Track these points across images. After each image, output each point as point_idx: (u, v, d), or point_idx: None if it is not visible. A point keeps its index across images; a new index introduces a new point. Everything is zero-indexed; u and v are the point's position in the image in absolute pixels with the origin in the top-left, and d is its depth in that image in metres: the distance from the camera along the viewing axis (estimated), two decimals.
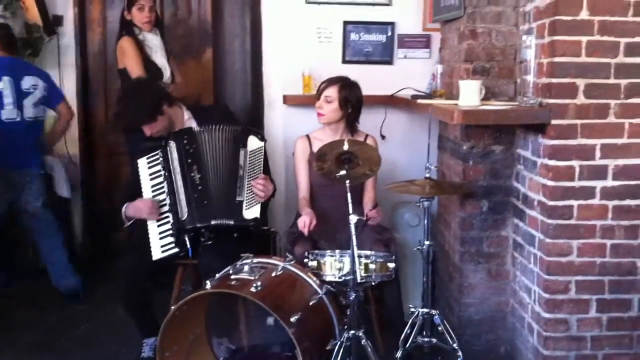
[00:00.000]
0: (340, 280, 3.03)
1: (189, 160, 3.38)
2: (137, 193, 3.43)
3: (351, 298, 2.88)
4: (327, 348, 2.89)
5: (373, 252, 3.13)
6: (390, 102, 4.32)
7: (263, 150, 3.46)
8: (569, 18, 2.76)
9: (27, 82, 4.27)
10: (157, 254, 3.33)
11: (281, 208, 4.56)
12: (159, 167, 3.42)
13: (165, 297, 3.50)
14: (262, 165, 3.43)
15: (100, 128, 5.12)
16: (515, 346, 3.31)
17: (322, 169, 3.06)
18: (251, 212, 3.34)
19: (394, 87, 4.26)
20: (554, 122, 2.82)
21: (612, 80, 2.80)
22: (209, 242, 3.35)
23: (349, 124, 3.61)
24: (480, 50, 3.35)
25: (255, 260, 3.07)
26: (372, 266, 3.05)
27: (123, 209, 3.40)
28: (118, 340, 3.71)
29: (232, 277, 2.92)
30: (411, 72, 4.52)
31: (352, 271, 2.88)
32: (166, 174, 3.39)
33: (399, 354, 3.05)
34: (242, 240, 3.38)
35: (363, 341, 2.88)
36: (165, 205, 3.37)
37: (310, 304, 2.94)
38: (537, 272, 3.00)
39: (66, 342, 3.76)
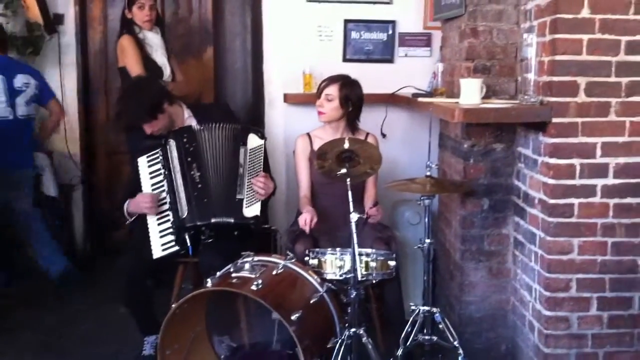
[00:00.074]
0: (341, 278, 3.04)
1: (189, 159, 3.38)
2: (137, 192, 3.43)
3: (352, 296, 2.88)
4: (328, 346, 2.89)
5: (374, 250, 3.14)
6: (391, 100, 4.32)
7: (263, 148, 3.46)
8: (570, 16, 2.75)
9: (19, 80, 4.29)
10: (157, 252, 3.33)
11: (282, 206, 4.56)
12: (159, 166, 3.42)
13: (166, 296, 3.51)
14: (262, 163, 3.43)
15: (100, 127, 5.12)
16: (516, 344, 3.31)
17: (323, 167, 3.06)
18: (251, 210, 3.34)
19: (395, 85, 4.27)
20: (554, 120, 2.82)
21: (613, 79, 2.80)
22: (210, 241, 3.35)
23: (349, 122, 3.61)
24: (481, 49, 3.35)
25: (256, 258, 3.07)
26: (372, 264, 3.06)
27: (125, 205, 3.41)
28: (118, 339, 3.71)
29: (233, 275, 2.92)
30: (412, 71, 4.53)
31: (353, 269, 2.88)
32: (166, 173, 3.39)
33: (399, 352, 3.05)
34: (242, 238, 3.38)
35: (364, 339, 2.88)
36: (165, 203, 3.38)
37: (311, 302, 2.94)
38: (537, 270, 3.00)
39: (67, 342, 3.75)
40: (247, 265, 2.97)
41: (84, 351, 3.63)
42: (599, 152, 2.84)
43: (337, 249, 3.12)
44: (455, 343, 3.05)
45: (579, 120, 2.82)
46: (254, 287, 2.77)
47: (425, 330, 3.10)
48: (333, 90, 3.54)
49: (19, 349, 3.67)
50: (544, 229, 2.92)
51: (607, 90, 2.80)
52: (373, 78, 4.13)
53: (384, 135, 4.38)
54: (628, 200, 2.87)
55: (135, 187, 3.45)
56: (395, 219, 4.24)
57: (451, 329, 3.09)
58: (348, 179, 2.95)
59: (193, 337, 3.11)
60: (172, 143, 3.41)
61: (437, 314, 3.09)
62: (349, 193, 2.92)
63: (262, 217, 3.39)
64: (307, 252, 3.17)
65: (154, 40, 4.25)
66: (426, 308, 3.09)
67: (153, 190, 3.40)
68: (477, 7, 3.32)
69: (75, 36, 4.94)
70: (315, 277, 3.06)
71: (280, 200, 4.49)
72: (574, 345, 2.94)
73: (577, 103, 2.81)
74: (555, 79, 2.80)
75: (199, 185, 3.35)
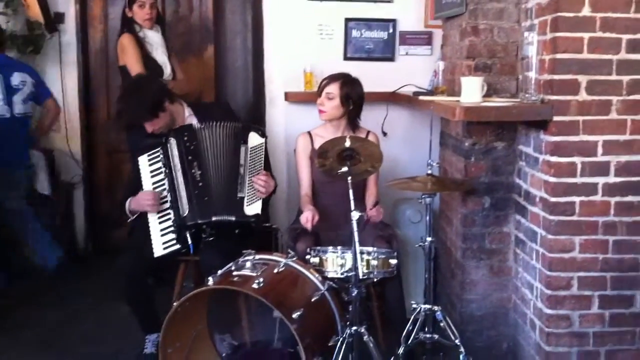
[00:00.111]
0: (342, 276, 3.03)
1: (190, 157, 3.39)
2: (138, 190, 3.43)
3: (353, 294, 2.88)
4: (329, 344, 2.89)
5: (375, 249, 3.13)
6: (392, 99, 4.32)
7: (264, 147, 3.46)
8: (571, 14, 2.75)
9: (16, 78, 4.29)
10: (158, 250, 3.33)
11: (283, 205, 4.56)
12: (159, 164, 3.42)
13: (167, 294, 3.51)
14: (263, 161, 3.44)
15: (101, 125, 5.12)
16: (518, 342, 3.32)
17: (324, 165, 3.06)
18: (252, 208, 3.34)
19: (396, 84, 4.27)
20: (555, 118, 2.82)
21: (614, 77, 2.79)
22: (211, 239, 3.36)
23: (350, 120, 3.62)
24: (482, 47, 3.35)
25: (257, 256, 3.07)
26: (374, 262, 3.05)
27: (127, 203, 3.41)
28: (119, 338, 3.71)
29: (235, 273, 2.92)
30: (413, 69, 4.53)
31: (354, 267, 2.88)
32: (167, 171, 3.39)
33: (401, 350, 3.05)
34: (243, 237, 3.38)
35: (365, 337, 2.88)
36: (166, 202, 3.38)
37: (313, 300, 2.95)
38: (539, 268, 3.00)
39: (68, 341, 3.75)
40: (248, 264, 2.97)
41: (85, 350, 3.63)
42: (600, 150, 2.83)
43: (339, 247, 3.11)
44: (457, 341, 3.05)
45: (580, 118, 2.81)
46: (255, 286, 2.77)
47: (426, 329, 3.10)
48: (334, 88, 3.54)
49: (19, 348, 3.67)
50: (545, 227, 2.92)
51: (608, 89, 2.80)
52: (374, 76, 4.13)
53: (384, 134, 4.39)
54: (629, 198, 2.87)
55: (136, 186, 3.45)
56: (396, 217, 4.24)
57: (452, 327, 3.08)
58: (349, 177, 2.95)
59: (194, 335, 3.11)
60: (173, 141, 3.41)
61: (438, 312, 3.09)
62: (350, 191, 2.92)
63: (263, 215, 3.39)
64: (308, 250, 3.17)
65: (154, 39, 4.25)
66: (427, 306, 3.09)
67: (154, 189, 3.40)
68: (478, 5, 3.32)
69: (75, 35, 4.94)
70: (317, 275, 3.06)
71: (281, 199, 4.49)
72: (576, 343, 2.94)
73: (578, 101, 2.81)
74: (556, 77, 2.80)
75: (200, 184, 3.36)
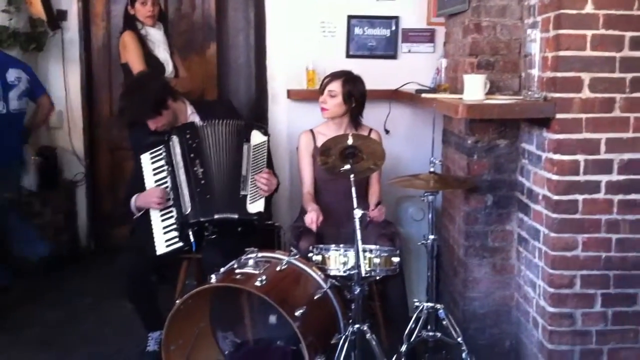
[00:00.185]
0: (344, 274, 3.03)
1: (192, 155, 3.39)
2: (140, 188, 3.43)
3: (356, 292, 2.87)
4: (332, 342, 2.89)
5: (377, 247, 3.13)
6: (394, 96, 4.32)
7: (266, 145, 3.46)
8: (574, 12, 2.74)
9: (11, 74, 4.28)
10: (161, 248, 3.34)
11: (285, 203, 4.56)
12: (162, 162, 3.42)
13: (170, 292, 3.51)
14: (265, 159, 3.43)
15: (104, 123, 5.13)
16: (520, 340, 3.31)
17: (326, 163, 3.06)
18: (255, 206, 3.34)
19: (398, 81, 4.26)
20: (558, 116, 2.82)
21: (617, 74, 2.78)
22: (213, 237, 3.36)
23: (352, 118, 3.61)
24: (485, 44, 3.34)
25: (259, 254, 3.07)
26: (376, 260, 3.05)
27: (133, 199, 3.42)
28: (121, 336, 3.72)
29: (237, 271, 2.92)
30: (415, 67, 4.52)
31: (357, 265, 2.88)
32: (169, 169, 3.39)
33: (403, 348, 3.05)
34: (246, 234, 3.38)
35: (367, 335, 2.88)
36: (169, 199, 3.38)
37: (315, 298, 2.95)
38: (541, 266, 2.99)
39: (70, 339, 3.75)
40: (251, 262, 2.97)
41: (86, 349, 3.63)
42: (603, 148, 2.83)
43: (341, 245, 3.12)
44: (459, 339, 3.05)
45: (583, 116, 2.81)
46: (257, 283, 2.77)
47: (429, 327, 3.10)
48: (336, 86, 3.53)
49: (20, 347, 3.66)
50: (548, 225, 2.92)
51: (611, 86, 2.79)
52: (376, 74, 4.14)
53: (387, 132, 4.39)
54: (632, 196, 2.86)
55: (138, 184, 3.45)
56: (398, 215, 4.24)
57: (455, 325, 3.09)
58: (351, 175, 2.94)
59: (197, 332, 3.11)
60: (175, 139, 3.41)
61: (440, 310, 3.09)
62: (353, 189, 2.91)
63: (266, 213, 3.39)
64: (311, 248, 3.17)
65: (156, 37, 4.25)
66: (430, 304, 3.09)
67: (156, 186, 3.40)
68: (481, 2, 3.32)
69: (78, 32, 4.95)
70: (319, 273, 3.06)
71: (284, 197, 4.49)
72: (578, 341, 2.94)
73: (581, 99, 2.80)
74: (559, 74, 2.79)
75: (202, 182, 3.36)
